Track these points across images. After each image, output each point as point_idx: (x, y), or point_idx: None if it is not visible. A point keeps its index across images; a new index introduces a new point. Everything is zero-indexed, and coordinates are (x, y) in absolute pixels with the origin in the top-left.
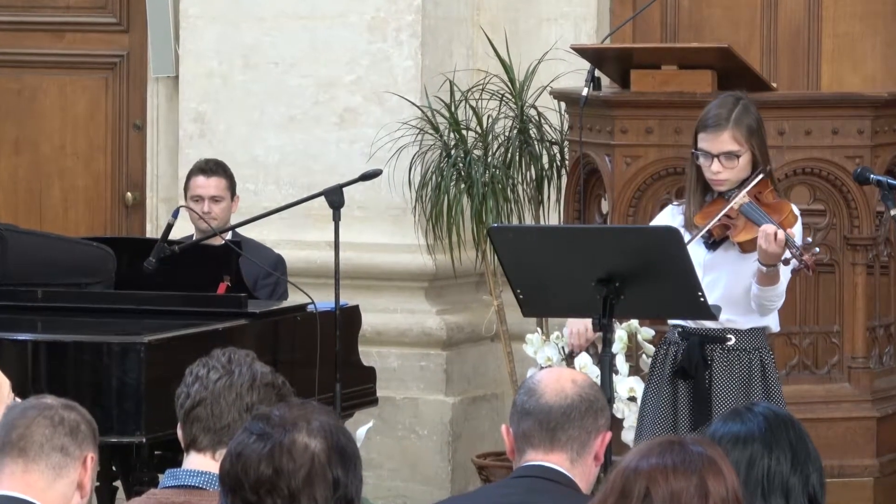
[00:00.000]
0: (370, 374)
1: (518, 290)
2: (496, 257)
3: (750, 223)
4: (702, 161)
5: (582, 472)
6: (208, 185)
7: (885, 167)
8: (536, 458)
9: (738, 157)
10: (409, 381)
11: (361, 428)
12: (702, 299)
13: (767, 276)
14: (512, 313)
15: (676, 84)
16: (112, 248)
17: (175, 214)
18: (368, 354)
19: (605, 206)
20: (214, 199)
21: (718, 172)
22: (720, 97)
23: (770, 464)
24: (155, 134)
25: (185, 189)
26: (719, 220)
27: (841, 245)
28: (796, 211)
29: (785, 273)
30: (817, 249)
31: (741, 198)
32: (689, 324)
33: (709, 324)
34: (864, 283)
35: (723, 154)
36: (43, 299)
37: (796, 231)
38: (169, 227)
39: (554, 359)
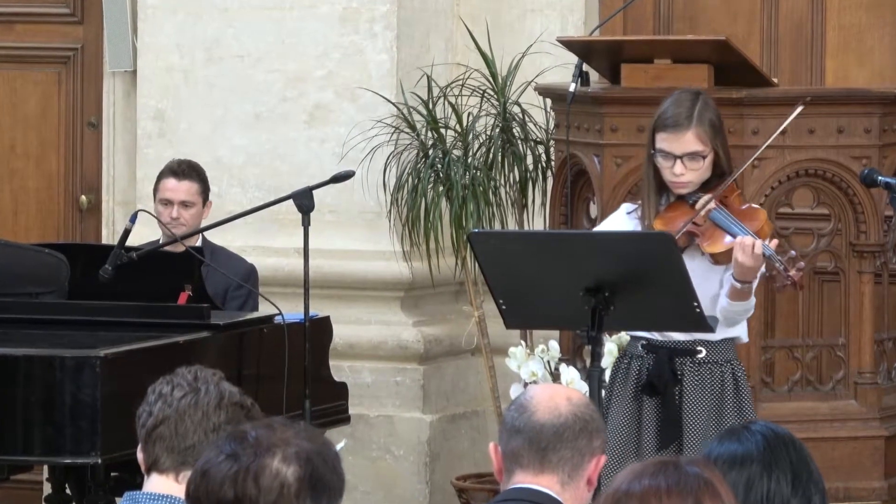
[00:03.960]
0: (342, 389)
1: (500, 301)
2: (477, 265)
3: (719, 231)
4: (661, 162)
5: (573, 496)
6: (178, 189)
7: (893, 168)
8: (525, 479)
9: (702, 157)
10: (383, 398)
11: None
12: (697, 310)
13: (741, 292)
14: (494, 325)
15: (670, 79)
16: (65, 254)
17: (133, 219)
18: (340, 369)
19: (593, 210)
20: (184, 205)
21: (681, 174)
22: (676, 93)
23: (770, 485)
24: (111, 132)
25: (155, 191)
26: (686, 227)
27: (847, 252)
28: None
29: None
30: (802, 263)
31: (709, 203)
32: (655, 336)
33: (677, 335)
34: (871, 293)
35: (687, 155)
36: None
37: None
38: (126, 233)
39: (539, 374)
